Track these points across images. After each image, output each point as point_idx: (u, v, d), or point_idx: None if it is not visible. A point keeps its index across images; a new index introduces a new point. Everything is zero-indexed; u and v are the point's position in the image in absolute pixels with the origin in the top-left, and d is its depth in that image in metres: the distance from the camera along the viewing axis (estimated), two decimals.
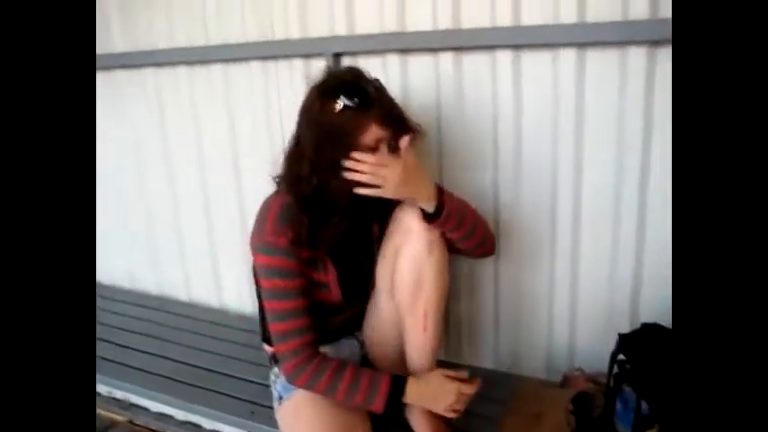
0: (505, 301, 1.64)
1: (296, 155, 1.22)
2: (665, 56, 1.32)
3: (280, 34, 1.72)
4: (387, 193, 1.16)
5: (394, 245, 1.27)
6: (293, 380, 1.24)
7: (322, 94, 1.18)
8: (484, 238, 1.30)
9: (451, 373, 1.27)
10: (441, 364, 1.35)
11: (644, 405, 1.20)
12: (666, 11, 1.29)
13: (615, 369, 1.30)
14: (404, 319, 1.30)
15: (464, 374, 1.27)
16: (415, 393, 1.23)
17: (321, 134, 1.16)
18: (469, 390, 1.25)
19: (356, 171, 1.14)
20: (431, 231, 1.22)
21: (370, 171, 1.14)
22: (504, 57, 1.46)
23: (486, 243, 1.32)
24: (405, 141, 1.15)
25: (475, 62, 1.50)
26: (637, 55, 1.34)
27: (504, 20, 1.44)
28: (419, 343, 1.30)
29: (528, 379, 1.57)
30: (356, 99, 1.14)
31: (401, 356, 1.34)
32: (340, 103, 1.14)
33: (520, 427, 1.32)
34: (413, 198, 1.19)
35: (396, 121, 1.19)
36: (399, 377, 1.24)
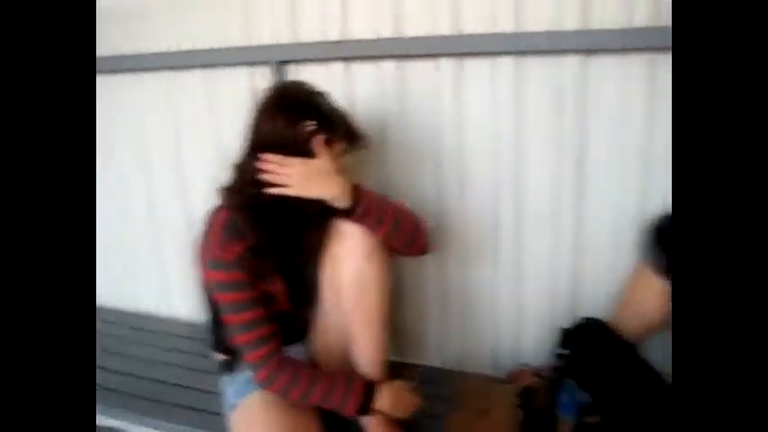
0: (451, 300, 1.68)
1: (244, 166, 1.24)
2: (596, 65, 1.40)
3: (223, 42, 1.72)
4: (293, 191, 1.19)
5: (334, 252, 1.29)
6: (269, 386, 1.26)
7: (281, 111, 1.20)
8: (413, 236, 1.32)
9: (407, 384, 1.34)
10: (389, 363, 1.38)
11: (586, 396, 1.26)
12: (600, 22, 1.36)
13: (558, 362, 1.37)
14: (349, 325, 1.32)
15: (413, 384, 1.34)
16: (384, 399, 1.28)
17: (277, 150, 1.19)
18: (417, 400, 1.33)
19: (265, 171, 1.18)
20: (369, 236, 1.26)
21: (274, 170, 1.17)
22: (448, 64, 1.51)
23: (416, 242, 1.33)
24: (317, 142, 1.18)
25: (418, 70, 1.54)
26: (571, 64, 1.41)
27: (445, 28, 1.48)
28: (366, 348, 1.33)
29: (475, 375, 1.61)
30: (321, 121, 1.18)
31: (348, 362, 1.36)
32: (304, 125, 1.17)
33: (467, 424, 1.37)
34: (321, 195, 1.22)
35: (347, 135, 1.24)
36: (370, 382, 1.29)
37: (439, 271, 1.67)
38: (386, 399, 1.28)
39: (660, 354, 1.45)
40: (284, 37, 1.65)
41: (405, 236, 1.30)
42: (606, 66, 1.40)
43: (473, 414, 1.39)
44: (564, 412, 1.29)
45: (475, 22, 1.46)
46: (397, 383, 1.33)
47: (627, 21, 1.35)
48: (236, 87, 1.74)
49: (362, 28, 1.56)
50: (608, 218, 1.50)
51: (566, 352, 1.36)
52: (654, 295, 1.38)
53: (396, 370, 1.42)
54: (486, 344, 1.68)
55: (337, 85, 1.59)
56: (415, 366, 1.67)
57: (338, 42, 1.58)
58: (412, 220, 1.32)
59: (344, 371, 1.35)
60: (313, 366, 1.34)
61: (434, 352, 1.74)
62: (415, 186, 1.61)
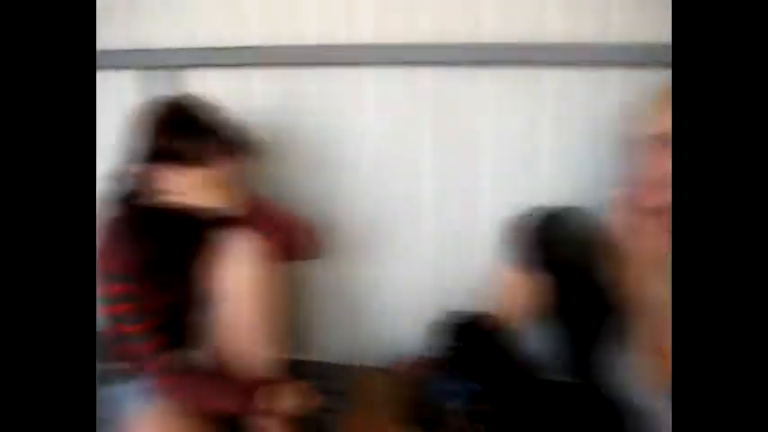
0: (340, 298, 1.76)
1: (133, 176, 1.23)
2: (484, 76, 1.52)
3: (116, 43, 1.66)
4: (185, 201, 1.22)
5: (225, 259, 1.32)
6: (167, 393, 1.26)
7: (173, 121, 1.20)
8: (302, 242, 1.38)
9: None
10: (284, 362, 1.43)
11: (473, 385, 1.37)
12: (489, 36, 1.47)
13: (445, 355, 1.47)
14: (243, 330, 1.35)
15: (305, 384, 1.39)
16: (281, 398, 1.31)
17: (168, 160, 1.18)
18: (312, 398, 1.37)
19: (156, 182, 1.19)
20: (259, 243, 1.30)
21: (165, 180, 1.19)
22: (340, 73, 1.57)
23: (305, 247, 1.40)
24: (208, 152, 1.21)
25: (312, 78, 1.59)
26: (459, 75, 1.52)
27: (341, 37, 1.54)
28: (260, 350, 1.37)
29: (366, 369, 1.69)
30: (212, 132, 1.20)
31: (244, 365, 1.39)
32: (195, 136, 1.17)
33: (361, 416, 1.44)
34: (213, 205, 1.25)
35: (238, 147, 1.27)
36: (266, 383, 1.32)
37: (328, 271, 1.74)
38: (283, 398, 1.32)
39: (534, 343, 1.61)
40: (180, 41, 1.62)
41: (294, 242, 1.35)
42: (492, 77, 1.52)
43: (366, 407, 1.46)
44: (452, 401, 1.40)
45: (370, 32, 1.52)
46: (294, 382, 1.37)
47: (507, 36, 1.47)
48: (122, 92, 1.68)
49: (259, 33, 1.57)
50: (485, 217, 1.63)
51: (452, 344, 1.47)
52: (524, 289, 1.53)
53: (291, 368, 1.46)
54: (374, 338, 1.77)
55: (230, 91, 1.60)
56: (308, 362, 1.72)
57: (235, 48, 1.58)
58: (301, 226, 1.38)
59: (241, 374, 1.37)
60: (210, 371, 1.35)
61: (325, 348, 1.80)
62: (303, 191, 1.66)
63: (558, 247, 1.47)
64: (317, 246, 1.41)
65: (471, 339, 1.44)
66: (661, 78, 1.22)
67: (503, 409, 1.36)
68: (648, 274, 1.17)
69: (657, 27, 1.41)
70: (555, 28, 1.45)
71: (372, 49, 1.52)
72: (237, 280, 1.30)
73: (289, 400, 1.33)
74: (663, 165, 1.16)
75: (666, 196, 1.15)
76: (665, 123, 1.18)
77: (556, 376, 1.57)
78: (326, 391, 1.49)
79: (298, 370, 1.51)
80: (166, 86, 1.60)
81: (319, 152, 1.64)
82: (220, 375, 1.33)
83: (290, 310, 1.72)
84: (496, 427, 1.36)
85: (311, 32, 1.55)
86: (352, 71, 1.56)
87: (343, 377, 1.63)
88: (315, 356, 1.80)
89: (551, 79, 1.50)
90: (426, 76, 1.54)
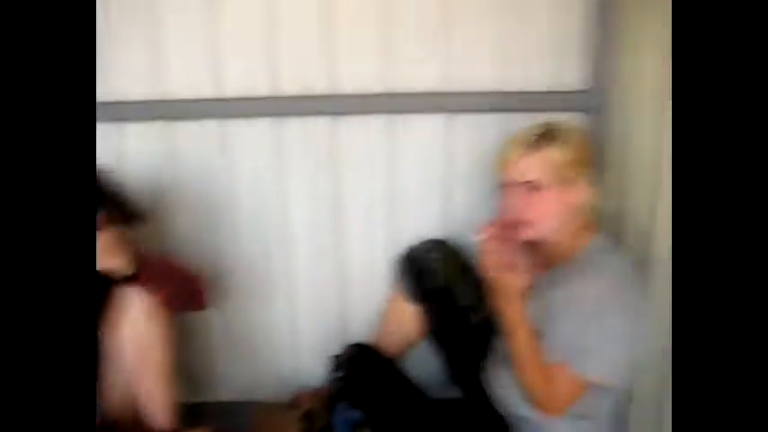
0: (235, 339, 1.82)
1: None
2: (344, 125, 1.63)
3: None
4: None
5: (118, 316, 1.38)
6: None
7: None
8: (192, 293, 1.46)
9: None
10: (182, 407, 1.49)
11: (358, 414, 1.48)
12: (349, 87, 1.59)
13: (332, 385, 1.57)
14: (138, 382, 1.42)
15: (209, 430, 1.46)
16: None
17: None
18: None
19: None
20: (150, 299, 1.37)
21: None
22: (214, 126, 1.63)
23: (196, 298, 1.48)
24: (99, 219, 1.26)
25: (189, 130, 1.65)
26: (324, 124, 1.63)
27: (209, 92, 1.61)
28: (157, 400, 1.43)
29: (262, 404, 1.75)
30: (102, 199, 1.26)
31: (142, 415, 1.45)
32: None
33: None
34: (106, 268, 1.30)
35: (126, 213, 1.33)
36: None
37: (221, 315, 1.79)
38: None
39: (420, 366, 1.75)
40: None
41: (185, 294, 1.43)
42: (353, 125, 1.64)
43: None
44: (340, 429, 1.50)
45: (237, 87, 1.60)
46: (197, 428, 1.45)
47: (368, 88, 1.60)
48: None
49: (133, 91, 1.62)
50: (365, 254, 1.75)
51: (338, 375, 1.57)
52: (408, 317, 1.66)
53: (192, 412, 1.53)
54: (270, 373, 1.84)
55: (106, 149, 1.62)
56: (209, 404, 1.78)
57: (110, 104, 1.60)
58: (191, 279, 1.45)
59: (139, 425, 1.43)
60: (108, 424, 1.39)
61: (223, 388, 1.86)
62: (194, 243, 1.71)
63: (430, 278, 1.61)
64: (207, 296, 1.49)
65: (354, 369, 1.54)
66: (525, 122, 1.39)
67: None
68: (510, 300, 1.30)
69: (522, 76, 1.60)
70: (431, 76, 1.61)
71: (240, 102, 1.60)
72: (132, 334, 1.37)
73: None
74: (518, 207, 1.31)
75: (524, 235, 1.32)
76: (511, 170, 1.33)
77: (440, 394, 1.71)
78: (228, 429, 1.56)
79: (199, 413, 1.58)
80: None
81: (203, 203, 1.70)
82: (119, 428, 1.39)
83: (187, 356, 1.79)
84: None
85: (179, 87, 1.61)
86: (221, 123, 1.64)
87: (244, 414, 1.69)
88: (215, 397, 1.85)
89: (425, 125, 1.65)
90: (293, 125, 1.64)
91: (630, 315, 1.26)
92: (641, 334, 1.29)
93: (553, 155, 1.28)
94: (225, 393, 1.87)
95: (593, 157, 1.35)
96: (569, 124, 1.38)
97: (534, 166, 1.29)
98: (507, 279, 1.27)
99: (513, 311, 1.28)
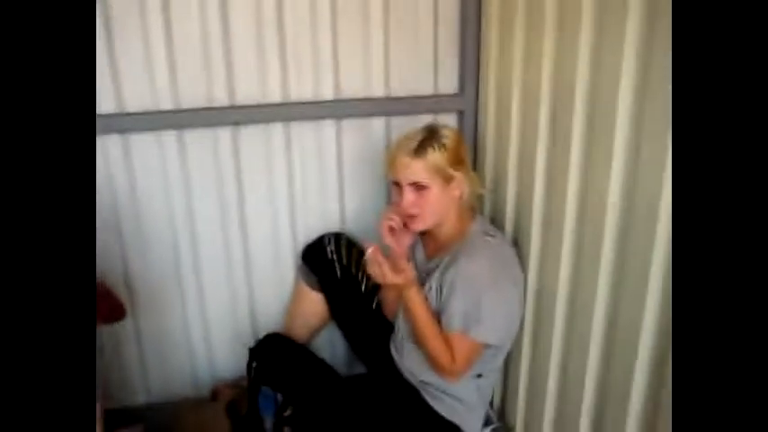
0: (147, 344, 1.88)
1: None
2: (244, 134, 1.75)
3: None
4: None
5: None
6: None
7: None
8: (111, 309, 1.51)
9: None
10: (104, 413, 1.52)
11: (279, 396, 1.62)
12: (243, 99, 1.71)
13: (251, 374, 1.69)
14: None
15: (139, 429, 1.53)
16: None
17: None
18: None
19: None
20: None
21: None
22: (115, 140, 1.68)
23: (111, 313, 1.52)
24: None
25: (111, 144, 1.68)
26: (224, 133, 1.74)
27: (110, 106, 1.65)
28: None
29: (182, 401, 1.85)
30: None
31: None
32: None
33: None
34: None
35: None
36: None
37: (133, 324, 1.85)
38: None
39: (328, 347, 1.92)
40: None
41: (104, 309, 1.47)
42: (252, 134, 1.76)
43: None
44: (264, 413, 1.64)
45: (140, 103, 1.66)
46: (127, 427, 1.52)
47: (263, 98, 1.73)
48: None
49: None
50: (269, 251, 1.89)
51: (256, 364, 1.70)
52: (312, 304, 1.83)
53: (114, 419, 1.59)
54: (185, 372, 1.93)
55: None
56: (132, 408, 1.84)
57: None
58: (104, 293, 1.50)
59: None
60: None
61: (140, 391, 1.92)
62: (102, 258, 1.73)
63: (330, 268, 1.78)
64: (122, 308, 1.54)
65: (270, 357, 1.68)
66: (407, 124, 1.60)
67: (304, 410, 1.63)
68: (406, 288, 1.49)
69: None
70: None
71: (145, 117, 1.67)
72: None
73: None
74: (407, 203, 1.50)
75: (414, 228, 1.52)
76: (400, 173, 1.51)
77: (348, 372, 1.89)
78: (152, 430, 1.64)
79: (122, 418, 1.64)
80: None
81: (106, 217, 1.74)
82: None
83: (103, 366, 1.83)
84: (302, 426, 1.63)
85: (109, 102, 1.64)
86: (123, 137, 1.69)
87: (167, 414, 1.77)
88: (132, 402, 1.91)
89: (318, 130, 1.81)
90: (194, 136, 1.73)
91: (512, 285, 1.51)
92: (520, 300, 1.55)
93: (435, 158, 1.48)
94: (142, 397, 1.93)
95: (468, 154, 1.58)
96: (448, 127, 1.58)
97: (419, 169, 1.48)
98: (400, 274, 1.45)
99: (411, 296, 1.48)
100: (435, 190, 1.49)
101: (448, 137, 1.51)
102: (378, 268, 1.44)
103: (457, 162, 1.51)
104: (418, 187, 1.49)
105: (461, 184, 1.53)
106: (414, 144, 1.49)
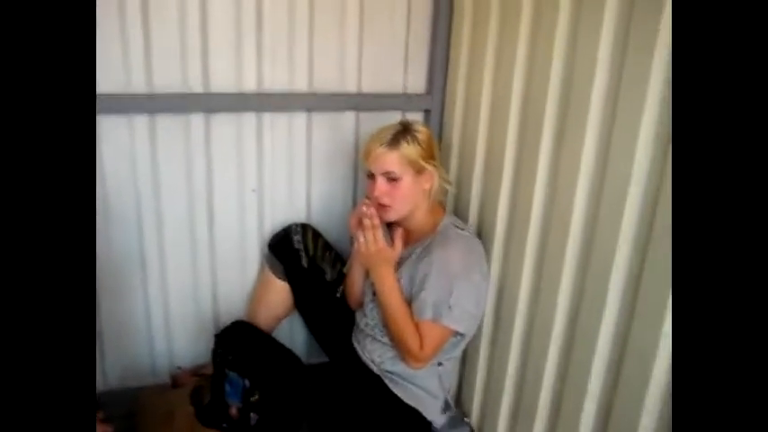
0: (107, 330, 1.85)
1: None
2: (216, 121, 1.76)
3: None
4: None
5: None
6: None
7: None
8: None
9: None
10: None
11: (246, 382, 1.64)
12: (216, 87, 1.72)
13: (217, 361, 1.71)
14: None
15: (101, 415, 1.52)
16: None
17: None
18: (109, 428, 1.49)
19: None
20: None
21: None
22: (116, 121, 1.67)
23: None
24: None
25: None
26: (197, 120, 1.74)
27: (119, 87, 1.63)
28: None
29: (143, 388, 1.83)
30: None
31: None
32: None
33: (158, 428, 1.62)
34: None
35: None
36: None
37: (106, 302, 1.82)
38: None
39: (287, 336, 1.94)
40: None
41: None
42: (223, 122, 1.77)
43: (159, 419, 1.64)
44: (231, 398, 1.65)
45: (112, 86, 1.64)
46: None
47: (237, 87, 1.74)
48: None
49: None
50: (234, 238, 1.90)
51: (220, 350, 1.71)
52: (277, 293, 1.86)
53: None
54: (144, 359, 1.91)
55: None
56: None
57: None
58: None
59: None
60: None
61: (97, 377, 1.87)
62: None
63: (296, 258, 1.82)
64: None
65: (235, 344, 1.69)
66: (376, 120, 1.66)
67: (270, 396, 1.65)
68: (383, 270, 1.55)
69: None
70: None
71: (118, 99, 1.65)
72: None
73: None
74: (380, 193, 1.56)
75: (386, 217, 1.58)
76: (374, 164, 1.58)
77: (310, 361, 1.93)
78: (115, 417, 1.62)
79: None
80: None
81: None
82: None
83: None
84: (268, 412, 1.66)
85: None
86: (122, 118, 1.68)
87: (123, 400, 1.75)
88: (99, 386, 1.86)
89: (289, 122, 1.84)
90: (166, 121, 1.73)
91: (481, 277, 1.59)
92: (486, 293, 1.63)
93: (408, 151, 1.55)
94: (98, 383, 1.89)
95: (438, 150, 1.66)
96: (419, 123, 1.66)
97: (392, 161, 1.55)
98: (382, 249, 1.54)
99: (386, 278, 1.55)
100: (407, 181, 1.56)
101: (420, 131, 1.59)
102: (371, 233, 1.51)
103: (428, 156, 1.59)
104: (390, 178, 1.56)
105: (432, 177, 1.60)
106: (388, 136, 1.56)
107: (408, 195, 1.59)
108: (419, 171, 1.57)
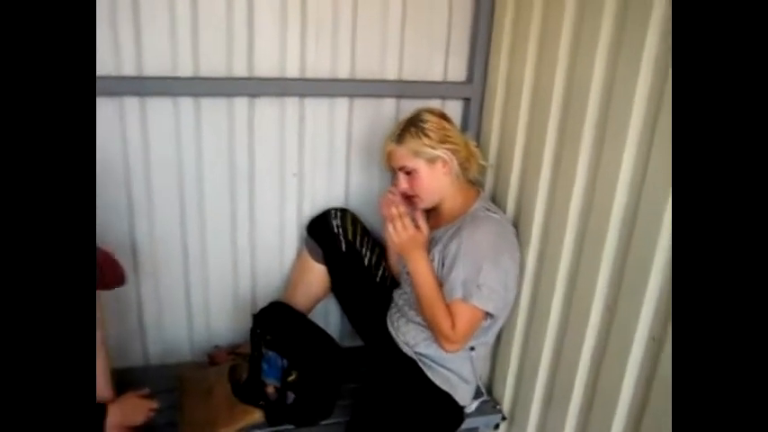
0: (148, 309, 1.90)
1: None
2: (259, 107, 1.79)
3: None
4: None
5: None
6: None
7: None
8: (110, 274, 1.49)
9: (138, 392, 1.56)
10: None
11: (284, 361, 1.67)
12: (260, 71, 1.75)
13: (256, 340, 1.74)
14: None
15: (146, 391, 1.56)
16: (116, 415, 1.45)
17: None
18: (153, 403, 1.55)
19: None
20: None
21: None
22: (132, 103, 1.69)
23: (114, 278, 1.51)
24: None
25: (105, 108, 1.67)
26: (240, 105, 1.77)
27: (130, 69, 1.66)
28: (97, 375, 1.47)
29: (182, 365, 1.88)
30: None
31: None
32: None
33: (198, 404, 1.66)
34: None
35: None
36: (100, 404, 1.44)
37: (135, 288, 1.86)
38: (118, 414, 1.46)
39: (322, 320, 1.97)
40: None
41: (103, 277, 1.45)
42: (266, 107, 1.80)
43: (199, 395, 1.68)
44: (268, 377, 1.69)
45: (158, 68, 1.68)
46: (127, 395, 1.54)
47: (281, 72, 1.77)
48: None
49: None
50: (274, 221, 1.93)
51: (258, 330, 1.75)
52: (315, 276, 1.89)
53: (121, 378, 1.63)
54: (183, 337, 1.96)
55: None
56: (134, 369, 1.87)
57: None
58: (111, 263, 1.49)
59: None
60: None
61: (139, 354, 1.94)
62: (109, 218, 1.75)
63: (334, 241, 1.85)
64: (123, 274, 1.54)
65: (274, 324, 1.73)
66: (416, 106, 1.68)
67: (308, 375, 1.69)
68: (416, 252, 1.58)
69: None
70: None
71: (164, 81, 1.68)
72: None
73: (124, 413, 1.49)
74: (404, 186, 1.63)
75: (416, 207, 1.62)
76: (390, 160, 1.65)
77: (345, 344, 1.96)
78: (155, 392, 1.66)
79: (124, 379, 1.66)
80: None
81: (115, 180, 1.75)
82: None
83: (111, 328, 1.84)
84: (305, 392, 1.69)
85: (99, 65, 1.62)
86: (141, 100, 1.70)
87: (163, 376, 1.80)
88: (130, 363, 1.91)
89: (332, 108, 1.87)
90: (210, 106, 1.76)
91: (511, 260, 1.61)
92: (516, 277, 1.65)
93: (413, 144, 1.61)
94: (140, 360, 1.95)
95: (456, 130, 1.69)
96: (428, 111, 1.67)
97: (402, 155, 1.63)
98: (412, 236, 1.57)
99: (420, 261, 1.58)
100: (422, 172, 1.62)
101: (428, 120, 1.64)
102: (399, 222, 1.56)
103: (439, 141, 1.62)
104: (407, 171, 1.63)
105: (448, 162, 1.63)
106: (397, 132, 1.64)
107: (429, 184, 1.64)
108: (431, 160, 1.62)
